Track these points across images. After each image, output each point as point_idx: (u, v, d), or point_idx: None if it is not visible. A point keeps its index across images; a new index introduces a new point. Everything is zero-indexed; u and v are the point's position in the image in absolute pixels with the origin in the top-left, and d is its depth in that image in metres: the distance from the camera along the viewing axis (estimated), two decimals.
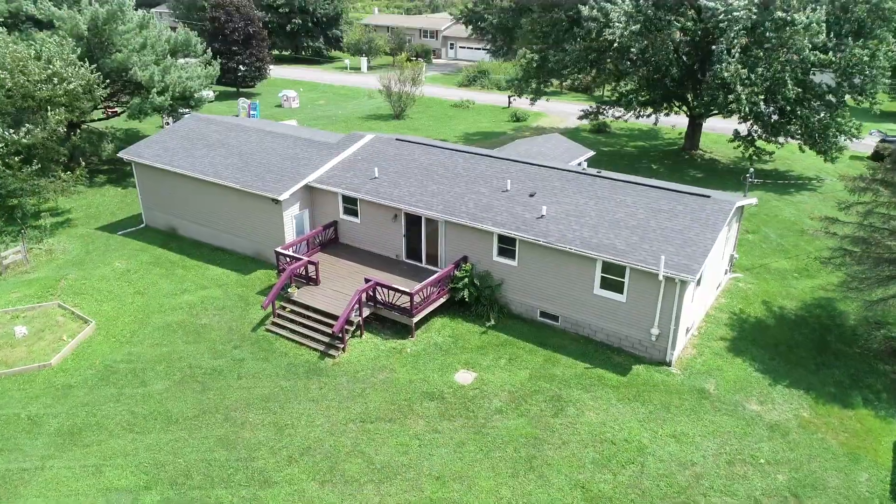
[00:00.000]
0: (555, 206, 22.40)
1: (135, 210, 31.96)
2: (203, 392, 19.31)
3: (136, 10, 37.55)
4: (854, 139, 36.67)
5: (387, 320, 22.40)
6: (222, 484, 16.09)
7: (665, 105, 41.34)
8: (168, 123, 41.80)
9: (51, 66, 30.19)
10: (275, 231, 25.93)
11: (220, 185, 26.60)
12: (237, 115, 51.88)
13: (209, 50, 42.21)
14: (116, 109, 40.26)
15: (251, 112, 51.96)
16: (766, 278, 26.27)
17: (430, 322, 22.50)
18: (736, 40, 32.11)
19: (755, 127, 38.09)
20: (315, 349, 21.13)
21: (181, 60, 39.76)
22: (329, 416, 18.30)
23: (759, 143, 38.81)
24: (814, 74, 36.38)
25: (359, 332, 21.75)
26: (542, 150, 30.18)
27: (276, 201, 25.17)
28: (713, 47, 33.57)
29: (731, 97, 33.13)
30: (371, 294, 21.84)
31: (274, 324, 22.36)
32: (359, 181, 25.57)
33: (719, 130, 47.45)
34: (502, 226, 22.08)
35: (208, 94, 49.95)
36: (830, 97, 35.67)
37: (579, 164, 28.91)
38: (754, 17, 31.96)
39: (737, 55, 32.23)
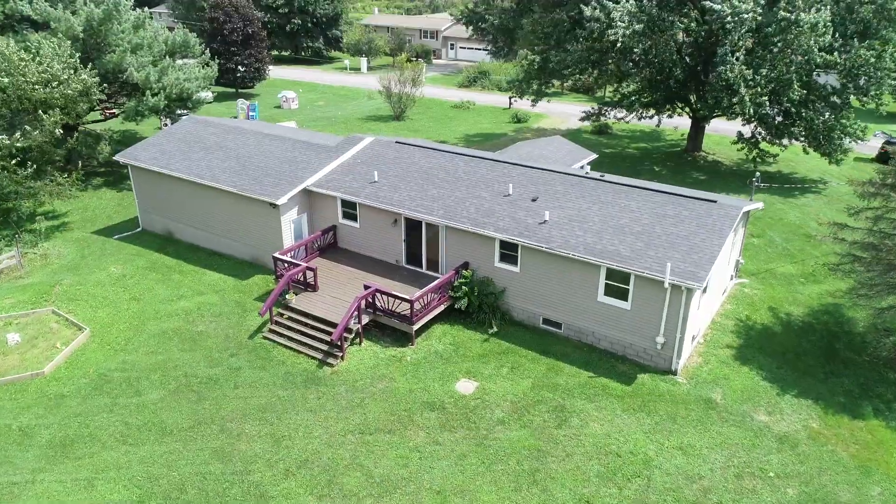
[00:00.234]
0: (558, 211, 21.97)
1: (131, 213, 31.54)
2: (198, 402, 18.88)
3: (133, 9, 37.12)
4: (859, 141, 36.24)
5: (386, 327, 21.97)
6: (217, 499, 15.66)
7: (668, 106, 40.92)
8: (166, 125, 41.39)
9: (48, 69, 29.76)
10: (273, 236, 25.51)
11: (218, 188, 26.18)
12: (236, 117, 51.49)
13: (207, 50, 41.77)
14: (114, 111, 39.84)
15: (250, 113, 51.55)
16: (771, 283, 25.85)
17: (430, 329, 22.07)
18: (741, 42, 31.65)
19: (759, 129, 37.68)
20: (313, 357, 20.71)
21: (179, 61, 39.33)
22: (327, 427, 17.88)
23: (762, 145, 38.40)
24: (818, 75, 35.97)
25: (358, 340, 21.32)
26: (544, 153, 29.76)
27: (274, 206, 24.75)
28: (717, 49, 33.11)
29: (734, 99, 32.72)
30: (370, 301, 21.42)
31: (271, 331, 21.95)
32: (358, 185, 25.15)
33: (722, 132, 47.03)
34: (504, 231, 21.66)
35: (207, 95, 49.59)
36: (835, 99, 35.28)
37: (582, 168, 28.47)
38: (759, 18, 31.53)
39: (742, 57, 31.78)
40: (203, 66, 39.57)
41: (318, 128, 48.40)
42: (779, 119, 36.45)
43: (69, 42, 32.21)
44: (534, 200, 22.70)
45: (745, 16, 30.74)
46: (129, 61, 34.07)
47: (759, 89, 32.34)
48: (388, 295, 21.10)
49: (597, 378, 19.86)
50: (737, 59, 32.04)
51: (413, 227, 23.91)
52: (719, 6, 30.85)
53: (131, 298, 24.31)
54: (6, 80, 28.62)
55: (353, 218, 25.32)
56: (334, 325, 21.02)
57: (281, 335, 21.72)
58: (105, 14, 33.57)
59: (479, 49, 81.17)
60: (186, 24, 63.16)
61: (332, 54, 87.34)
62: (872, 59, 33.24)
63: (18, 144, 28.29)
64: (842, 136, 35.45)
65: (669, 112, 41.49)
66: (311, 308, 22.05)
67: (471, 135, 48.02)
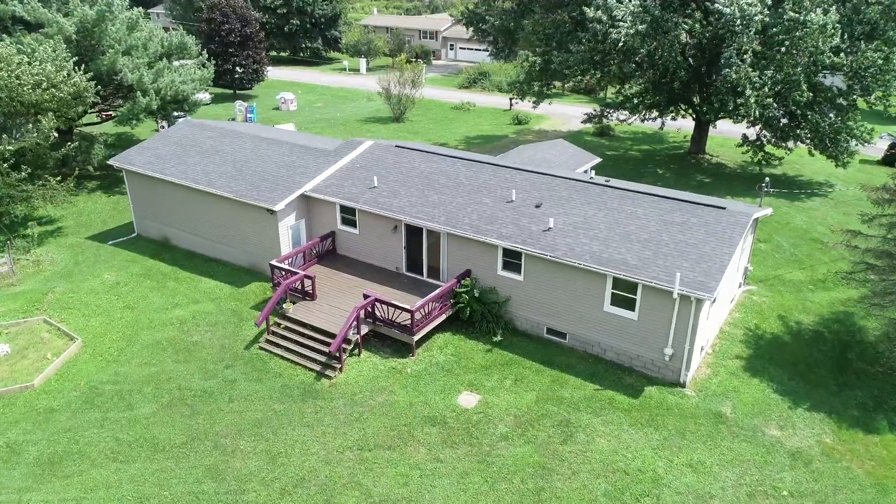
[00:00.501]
0: (562, 218, 21.39)
1: (126, 218, 30.95)
2: (192, 416, 18.29)
3: (129, 8, 36.49)
4: (866, 144, 35.65)
5: (386, 337, 21.38)
6: None
7: (671, 108, 40.32)
8: (163, 127, 40.81)
9: (41, 71, 29.13)
10: (270, 242, 24.93)
11: (214, 194, 25.59)
12: (233, 119, 50.91)
13: (204, 52, 41.16)
14: (111, 113, 39.24)
15: (248, 115, 50.97)
16: (780, 291, 25.27)
17: (431, 339, 21.48)
18: (748, 45, 31.02)
19: (764, 132, 37.10)
20: (311, 369, 20.11)
21: (177, 63, 38.72)
22: (325, 443, 17.29)
23: (767, 147, 37.82)
24: (824, 77, 35.37)
25: (357, 351, 20.73)
26: (547, 157, 29.18)
27: (272, 211, 24.17)
28: (722, 51, 32.50)
29: (740, 100, 32.12)
30: (370, 310, 20.83)
31: (268, 341, 21.36)
32: (357, 190, 24.57)
33: (725, 133, 46.45)
34: (507, 239, 21.07)
35: (204, 96, 48.96)
36: (841, 100, 34.69)
37: (586, 172, 27.89)
38: (767, 19, 30.93)
39: (749, 59, 31.17)
40: (199, 68, 38.96)
41: (316, 129, 47.83)
42: (784, 121, 35.88)
43: (64, 45, 31.61)
44: (537, 207, 22.12)
45: (755, 18, 30.09)
46: (124, 63, 33.45)
47: (766, 90, 31.75)
48: (389, 304, 20.52)
49: (603, 391, 19.28)
50: (743, 60, 31.45)
51: (414, 233, 23.33)
52: (729, 9, 30.17)
53: (125, 307, 23.72)
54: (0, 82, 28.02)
55: (353, 224, 24.74)
56: (333, 336, 20.43)
57: (278, 346, 21.13)
58: (98, 15, 32.93)
59: (479, 50, 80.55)
60: (184, 25, 62.42)
61: (330, 55, 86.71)
62: (880, 61, 32.67)
63: (10, 147, 27.67)
64: (848, 138, 34.87)
65: (673, 114, 40.90)
66: (309, 318, 21.47)
67: (471, 137, 47.44)
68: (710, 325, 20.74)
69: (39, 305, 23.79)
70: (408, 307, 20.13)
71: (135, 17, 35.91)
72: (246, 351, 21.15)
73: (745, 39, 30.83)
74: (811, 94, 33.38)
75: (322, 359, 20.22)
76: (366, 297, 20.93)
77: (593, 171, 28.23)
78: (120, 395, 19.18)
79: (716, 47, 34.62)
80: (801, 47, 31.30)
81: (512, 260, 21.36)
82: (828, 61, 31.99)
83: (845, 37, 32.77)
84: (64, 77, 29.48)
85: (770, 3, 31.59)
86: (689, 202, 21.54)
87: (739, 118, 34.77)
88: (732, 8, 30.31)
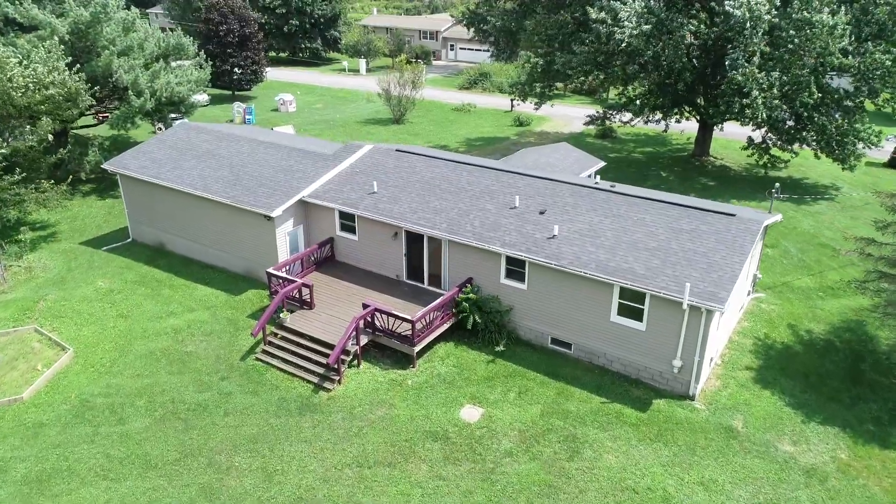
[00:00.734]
0: (567, 225, 20.81)
1: (121, 223, 30.36)
2: (186, 431, 17.70)
3: (126, 8, 35.87)
4: (874, 146, 35.07)
5: (386, 348, 20.79)
6: None
7: (675, 110, 39.71)
8: (160, 129, 40.21)
9: (33, 73, 28.52)
10: (267, 249, 24.34)
11: (210, 199, 25.00)
12: (232, 120, 50.33)
13: (202, 52, 40.57)
14: (108, 114, 38.64)
15: (246, 116, 50.38)
16: (789, 298, 24.69)
17: (433, 349, 20.90)
18: (756, 46, 30.41)
19: (770, 134, 36.51)
20: (309, 381, 19.52)
21: (174, 63, 38.12)
22: (323, 459, 16.70)
23: (773, 150, 37.23)
24: (830, 79, 34.78)
25: (356, 362, 20.14)
26: (551, 161, 28.58)
27: (269, 218, 23.58)
28: (728, 52, 31.90)
29: (746, 102, 31.52)
30: (369, 320, 20.24)
31: (264, 352, 20.77)
32: (356, 196, 23.98)
33: (729, 136, 45.88)
34: (511, 246, 20.48)
35: (202, 98, 48.40)
36: (848, 102, 34.11)
37: (590, 176, 27.32)
38: (774, 19, 30.34)
39: (756, 60, 30.57)
40: (197, 68, 38.36)
41: (316, 131, 47.24)
42: (790, 123, 35.28)
43: (60, 46, 31.01)
44: (542, 213, 21.54)
45: (763, 18, 29.47)
46: (118, 64, 32.85)
47: (774, 91, 31.16)
48: (389, 314, 19.93)
49: (610, 404, 18.69)
50: (750, 62, 30.85)
51: (414, 240, 22.74)
52: (739, 11, 29.55)
53: (118, 315, 23.13)
54: None
55: (352, 230, 24.15)
56: (331, 347, 19.85)
57: (274, 356, 20.54)
58: (93, 16, 32.31)
59: (480, 50, 79.96)
60: (182, 25, 61.83)
61: (330, 55, 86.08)
62: (888, 63, 32.07)
63: (3, 151, 27.07)
64: (855, 141, 34.29)
65: (677, 116, 40.30)
66: (307, 328, 20.87)
67: (472, 139, 46.86)
68: (720, 335, 20.17)
69: (31, 314, 23.21)
70: (409, 317, 19.54)
71: (130, 18, 35.29)
72: (242, 362, 20.56)
73: (753, 40, 30.23)
74: (819, 96, 32.79)
75: (320, 370, 19.64)
76: (365, 306, 20.35)
77: (598, 176, 27.67)
78: (112, 409, 18.59)
79: (721, 48, 34.04)
80: (810, 48, 30.72)
81: (515, 268, 20.77)
82: (836, 62, 31.40)
83: (853, 38, 32.21)
84: (55, 78, 28.88)
85: (778, 3, 30.99)
86: (699, 209, 20.96)
87: (746, 120, 34.17)
88: (742, 10, 29.68)
